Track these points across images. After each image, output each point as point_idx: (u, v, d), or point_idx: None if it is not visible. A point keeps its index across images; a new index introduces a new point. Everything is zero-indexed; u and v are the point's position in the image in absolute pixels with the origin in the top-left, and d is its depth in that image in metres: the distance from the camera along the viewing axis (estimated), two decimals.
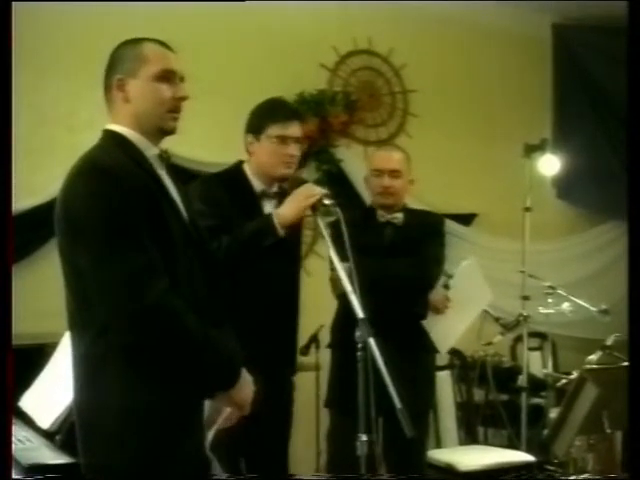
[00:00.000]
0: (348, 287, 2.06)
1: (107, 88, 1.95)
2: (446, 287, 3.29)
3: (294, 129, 2.70)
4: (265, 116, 2.71)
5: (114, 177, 1.77)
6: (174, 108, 1.92)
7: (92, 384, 1.80)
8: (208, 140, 4.32)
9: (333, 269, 2.63)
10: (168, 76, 1.91)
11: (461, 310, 3.33)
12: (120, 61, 1.92)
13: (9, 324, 1.70)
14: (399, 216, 3.20)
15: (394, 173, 3.15)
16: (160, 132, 1.94)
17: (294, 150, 2.70)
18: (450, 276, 3.31)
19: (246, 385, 1.93)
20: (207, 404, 1.93)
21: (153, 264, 1.77)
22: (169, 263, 1.80)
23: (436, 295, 3.21)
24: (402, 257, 3.08)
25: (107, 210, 1.74)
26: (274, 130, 2.67)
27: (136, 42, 1.94)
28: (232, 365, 1.89)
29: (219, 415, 1.98)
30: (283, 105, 2.81)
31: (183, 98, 1.93)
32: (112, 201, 1.75)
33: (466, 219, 5.21)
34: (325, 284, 3.04)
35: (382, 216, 3.20)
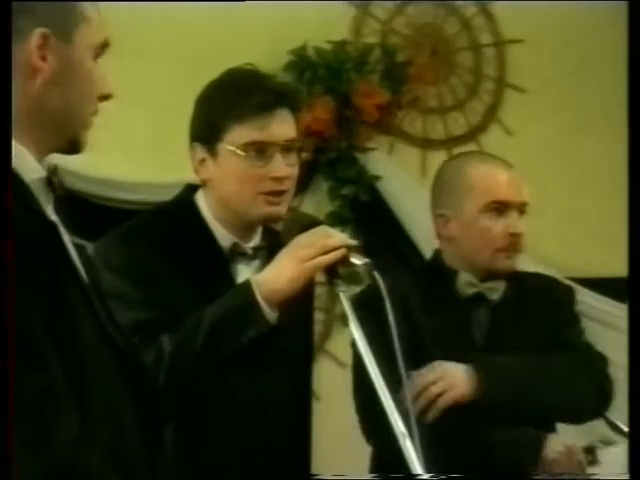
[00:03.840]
0: (399, 426, 2.11)
1: None
2: None
3: (280, 126, 2.73)
4: (223, 107, 2.74)
5: None
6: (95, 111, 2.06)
7: None
8: (137, 146, 4.51)
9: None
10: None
11: None
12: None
13: (10, 322, 1.79)
14: (499, 286, 3.25)
15: (523, 207, 3.26)
16: (68, 145, 2.04)
17: (283, 168, 2.73)
18: None
19: None
20: None
21: (55, 389, 1.82)
22: (78, 387, 1.87)
23: None
24: (514, 362, 3.16)
25: None
26: (241, 134, 2.71)
27: None
28: None
29: None
30: (254, 80, 2.82)
31: None
32: None
33: (612, 287, 5.22)
34: (346, 414, 3.15)
35: (469, 285, 3.23)
